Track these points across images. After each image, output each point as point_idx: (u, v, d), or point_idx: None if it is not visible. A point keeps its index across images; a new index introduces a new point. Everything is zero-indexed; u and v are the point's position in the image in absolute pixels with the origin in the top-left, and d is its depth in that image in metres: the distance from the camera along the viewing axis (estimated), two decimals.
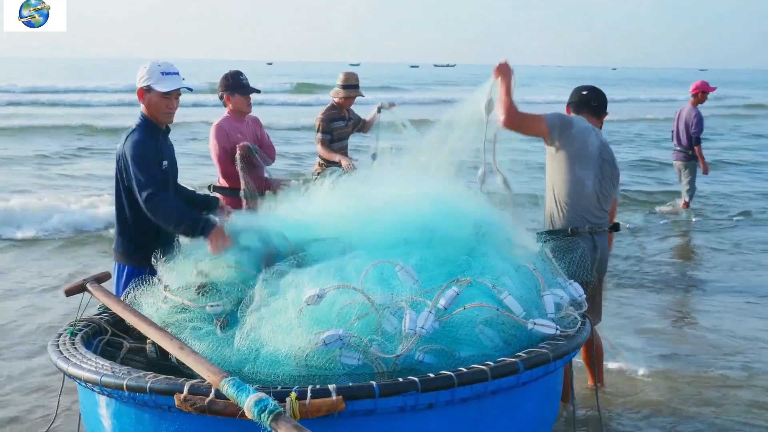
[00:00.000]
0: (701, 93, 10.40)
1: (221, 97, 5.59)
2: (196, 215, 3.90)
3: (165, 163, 4.08)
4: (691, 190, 10.79)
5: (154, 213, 3.85)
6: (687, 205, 10.89)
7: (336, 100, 6.97)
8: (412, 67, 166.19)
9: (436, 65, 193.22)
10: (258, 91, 5.63)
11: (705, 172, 10.49)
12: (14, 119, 23.45)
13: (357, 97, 7.09)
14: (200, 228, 3.77)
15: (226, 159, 5.41)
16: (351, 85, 6.98)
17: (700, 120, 10.26)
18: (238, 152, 5.21)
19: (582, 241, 4.23)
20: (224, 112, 5.62)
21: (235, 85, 5.51)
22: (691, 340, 5.91)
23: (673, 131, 10.69)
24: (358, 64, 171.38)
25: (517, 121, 4.23)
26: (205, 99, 26.92)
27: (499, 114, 4.23)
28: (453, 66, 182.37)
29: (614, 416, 4.57)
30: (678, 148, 10.58)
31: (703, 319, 6.49)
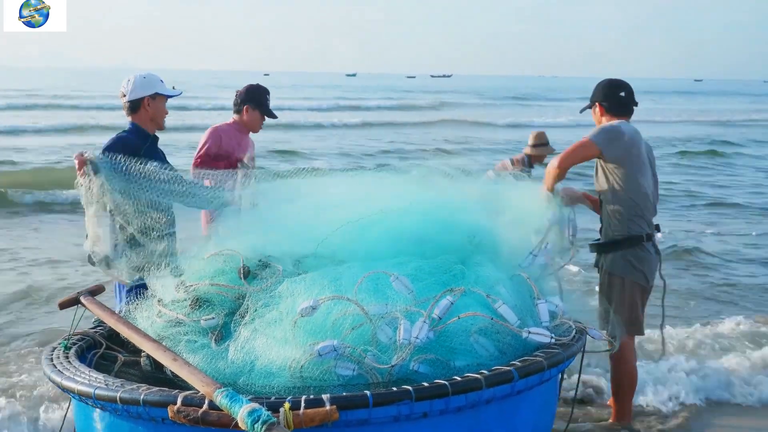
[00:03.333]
0: None
1: (240, 103, 5.38)
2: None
3: (155, 164, 4.17)
4: None
5: None
6: None
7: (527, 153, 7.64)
8: (408, 77, 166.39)
9: (432, 76, 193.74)
10: (276, 117, 5.49)
11: None
12: None
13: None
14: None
15: (207, 162, 5.09)
16: (540, 144, 7.55)
17: None
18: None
19: (649, 246, 4.28)
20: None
21: (260, 102, 5.36)
22: None
23: None
24: (354, 75, 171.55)
25: (567, 162, 4.20)
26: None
27: (550, 169, 4.22)
28: (449, 77, 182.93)
29: None
30: None
31: None
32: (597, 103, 4.43)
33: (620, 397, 4.46)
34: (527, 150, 7.59)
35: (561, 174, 4.21)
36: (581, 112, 4.71)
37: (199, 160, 5.22)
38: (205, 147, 5.25)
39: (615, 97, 4.38)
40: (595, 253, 4.45)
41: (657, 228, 4.42)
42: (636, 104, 4.44)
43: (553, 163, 4.23)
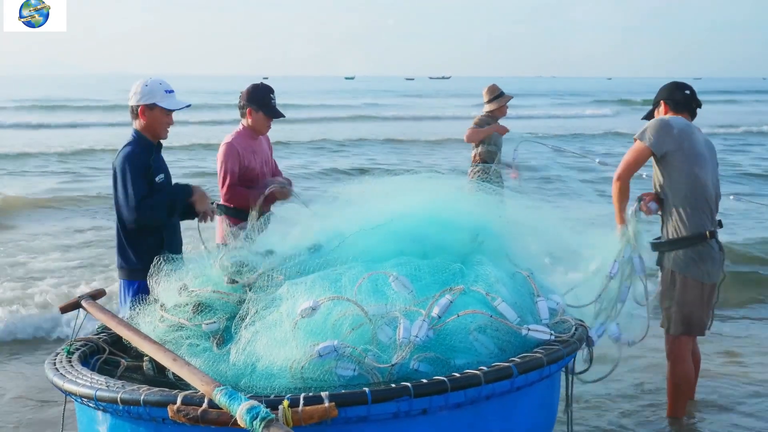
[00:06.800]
0: None
1: (243, 107, 4.99)
2: (173, 189, 4.23)
3: (161, 176, 4.18)
4: None
5: (145, 218, 4.05)
6: None
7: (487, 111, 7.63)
8: (407, 79, 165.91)
9: (431, 77, 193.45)
10: (283, 116, 5.05)
11: None
12: None
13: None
14: (181, 194, 4.16)
15: (233, 183, 4.81)
16: (496, 96, 7.57)
17: None
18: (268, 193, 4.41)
19: (712, 243, 4.23)
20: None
21: (263, 103, 4.95)
22: None
23: None
24: (353, 77, 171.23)
25: (625, 173, 4.26)
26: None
27: (613, 187, 4.28)
28: (448, 78, 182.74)
29: None
30: None
31: None
32: (662, 102, 4.47)
33: (676, 396, 4.41)
34: (487, 107, 7.54)
35: (623, 186, 4.24)
36: (643, 118, 4.67)
37: (228, 190, 4.84)
38: (229, 172, 4.85)
39: (679, 95, 4.44)
40: (657, 252, 4.38)
41: (719, 224, 4.36)
42: (699, 105, 4.47)
43: (614, 179, 4.26)
